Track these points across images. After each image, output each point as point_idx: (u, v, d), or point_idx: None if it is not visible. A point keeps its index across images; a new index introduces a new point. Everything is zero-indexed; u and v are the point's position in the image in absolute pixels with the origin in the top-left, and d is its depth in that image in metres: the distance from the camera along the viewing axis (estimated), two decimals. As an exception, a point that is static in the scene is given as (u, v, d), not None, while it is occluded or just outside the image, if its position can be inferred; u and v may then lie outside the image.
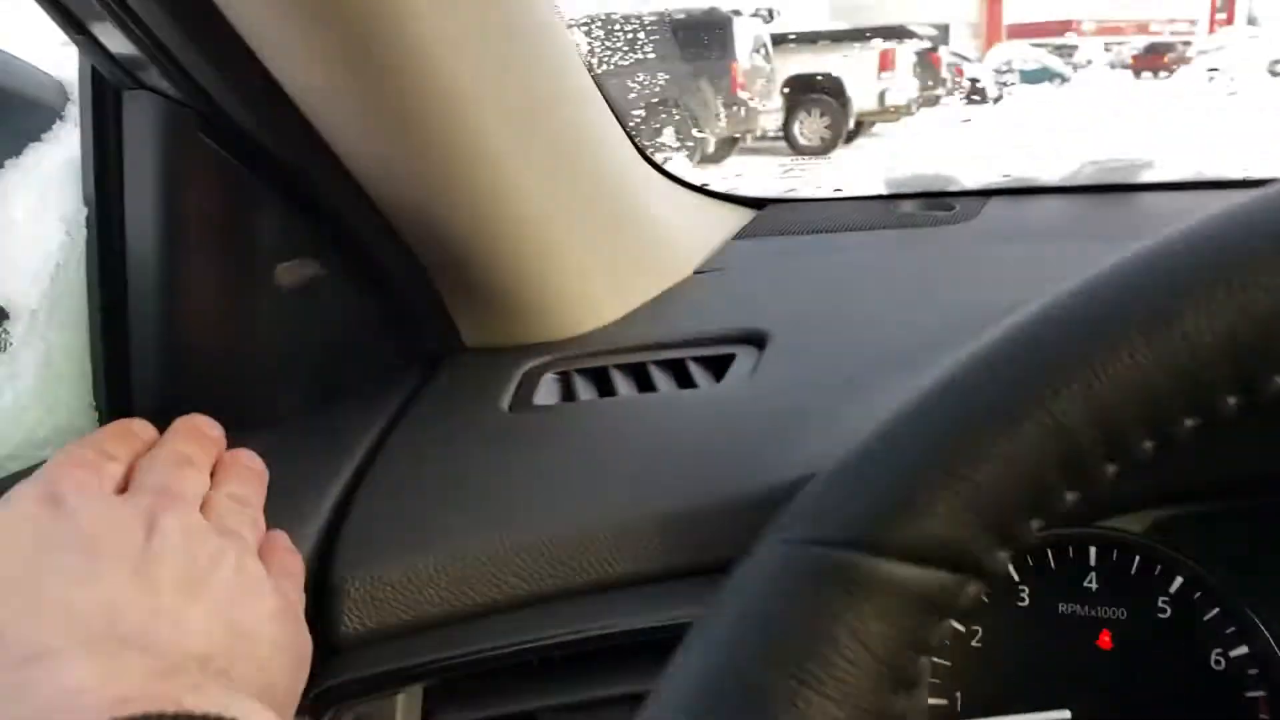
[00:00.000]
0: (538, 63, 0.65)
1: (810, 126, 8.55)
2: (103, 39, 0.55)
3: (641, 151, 0.87)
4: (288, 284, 0.62)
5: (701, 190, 1.00)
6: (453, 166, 0.61)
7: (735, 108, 7.28)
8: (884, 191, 1.03)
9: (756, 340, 0.74)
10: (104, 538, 0.45)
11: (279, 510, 0.57)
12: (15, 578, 0.42)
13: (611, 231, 0.78)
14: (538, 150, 0.66)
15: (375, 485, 0.61)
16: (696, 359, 0.74)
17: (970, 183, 1.02)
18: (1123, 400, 0.27)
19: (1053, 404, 0.27)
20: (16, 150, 0.63)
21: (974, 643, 0.65)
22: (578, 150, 0.72)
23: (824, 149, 8.13)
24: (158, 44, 0.52)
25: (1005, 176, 1.01)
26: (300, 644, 0.50)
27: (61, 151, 0.62)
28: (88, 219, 0.58)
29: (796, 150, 7.94)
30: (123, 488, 0.51)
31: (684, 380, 0.72)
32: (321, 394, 0.68)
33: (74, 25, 0.54)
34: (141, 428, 0.55)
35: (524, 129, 0.64)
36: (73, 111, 0.66)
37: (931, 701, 0.64)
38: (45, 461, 0.58)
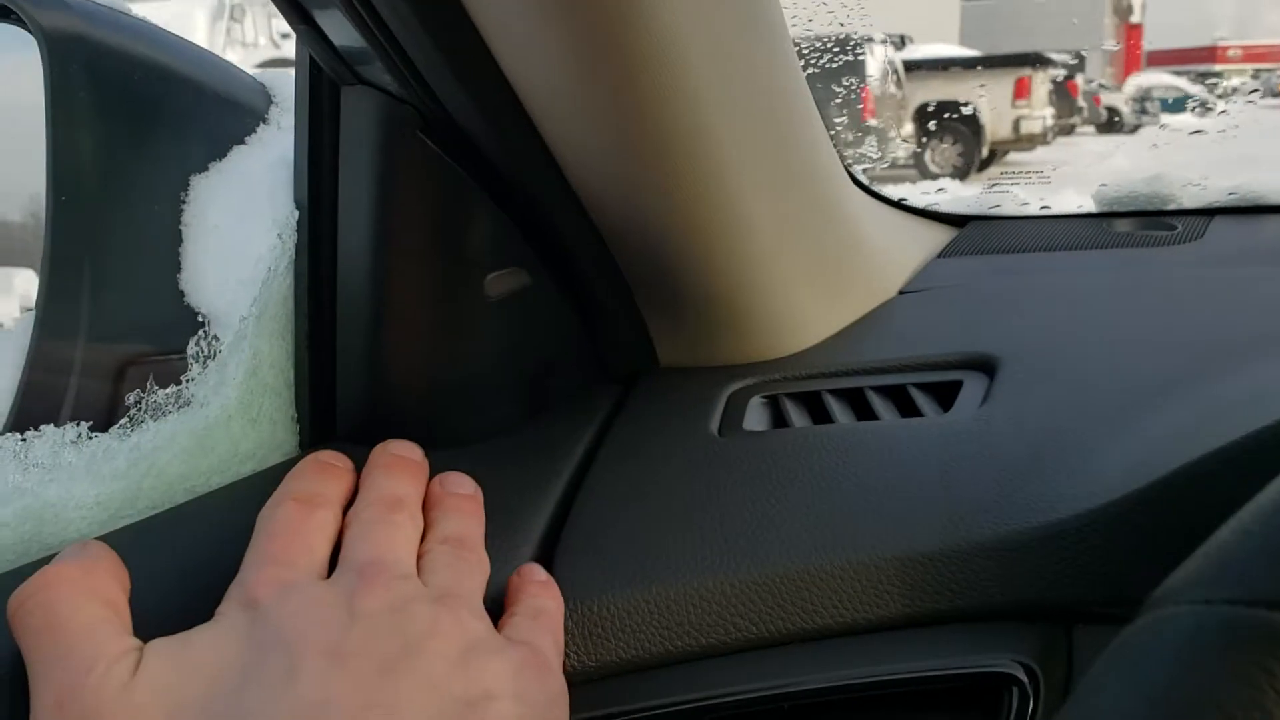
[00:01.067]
0: (769, 66, 0.61)
1: (943, 154, 8.44)
2: (327, 29, 0.52)
3: (844, 162, 0.82)
4: (497, 295, 0.58)
5: (900, 206, 0.94)
6: (679, 171, 0.57)
7: (866, 134, 7.19)
8: (1095, 210, 0.96)
9: (984, 365, 0.68)
10: (303, 634, 0.42)
11: (489, 532, 0.53)
12: (223, 694, 0.40)
13: (820, 245, 0.74)
14: (760, 158, 0.62)
15: (587, 508, 0.57)
16: (918, 385, 0.68)
17: (1190, 201, 0.94)
18: None
19: None
20: (220, 154, 0.61)
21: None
22: (795, 160, 0.67)
23: (956, 177, 8.01)
24: (388, 35, 0.49)
25: (1231, 195, 0.93)
26: (549, 690, 0.46)
27: (267, 153, 0.60)
28: (299, 222, 0.55)
29: (927, 178, 7.81)
30: (335, 543, 0.48)
31: (906, 408, 0.66)
32: (523, 411, 0.64)
33: (298, 14, 0.51)
34: (336, 459, 0.52)
35: (752, 134, 0.60)
36: (276, 114, 0.64)
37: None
38: (249, 476, 0.56)
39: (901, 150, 7.78)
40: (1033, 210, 0.97)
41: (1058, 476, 0.54)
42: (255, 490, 0.52)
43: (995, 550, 0.52)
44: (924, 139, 8.27)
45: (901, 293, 0.83)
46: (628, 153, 0.55)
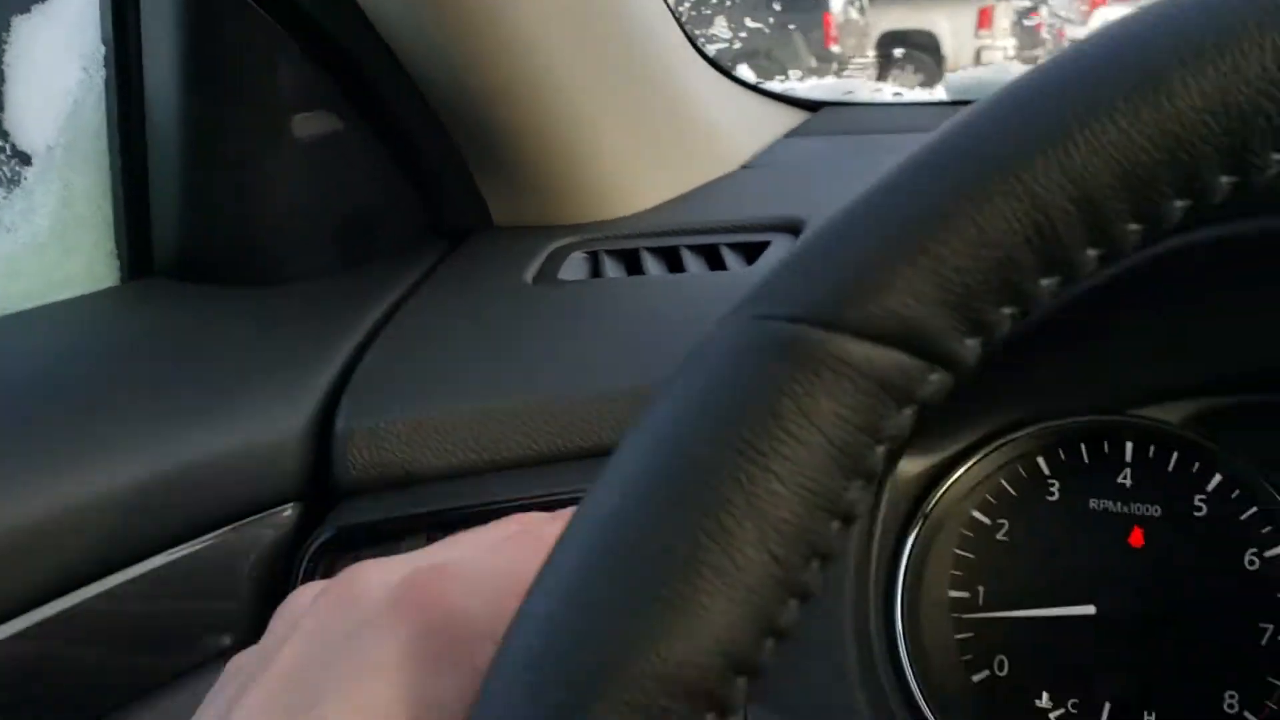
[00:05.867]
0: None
1: (903, 82, 8.40)
2: None
3: (694, 43, 0.85)
4: (307, 137, 0.61)
5: (756, 89, 0.97)
6: (491, 31, 0.60)
7: (827, 62, 7.14)
8: (947, 98, 0.99)
9: (792, 228, 0.72)
10: None
11: (290, 365, 0.57)
12: None
13: (653, 116, 0.77)
14: (580, 23, 0.65)
15: (388, 342, 0.60)
16: (729, 245, 0.72)
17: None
18: (1102, 172, 0.24)
19: (1024, 174, 0.24)
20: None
21: (1000, 536, 0.62)
22: (622, 28, 0.70)
23: (915, 104, 7.96)
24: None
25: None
26: None
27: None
28: (105, 57, 0.58)
29: (887, 106, 7.78)
30: None
31: (716, 265, 0.70)
32: (344, 257, 0.67)
33: None
34: None
35: (576, 8, 0.62)
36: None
37: (954, 594, 0.63)
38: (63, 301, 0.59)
39: (863, 77, 7.76)
40: (885, 97, 1.00)
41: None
42: (71, 314, 0.56)
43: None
44: (885, 66, 8.22)
45: (743, 168, 0.87)
46: (448, 23, 0.58)
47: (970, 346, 0.25)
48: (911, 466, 0.57)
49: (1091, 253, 0.24)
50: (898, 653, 0.56)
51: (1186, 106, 0.23)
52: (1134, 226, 0.24)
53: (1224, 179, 0.24)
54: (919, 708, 0.55)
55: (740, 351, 0.25)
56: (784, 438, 0.23)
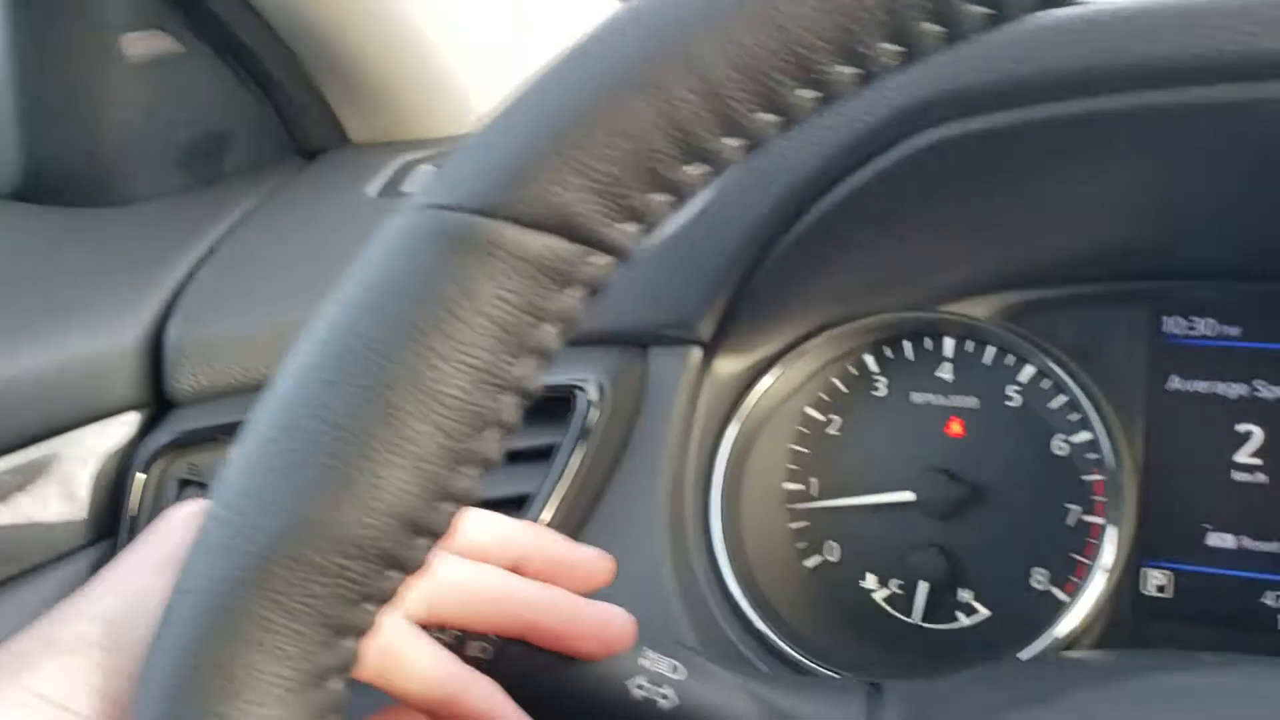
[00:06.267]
0: None
1: None
2: None
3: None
4: (142, 57, 0.62)
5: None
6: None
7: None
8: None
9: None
10: None
11: (129, 282, 0.58)
12: None
13: (501, 27, 0.77)
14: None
15: (224, 258, 0.61)
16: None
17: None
18: (721, 65, 0.25)
19: (652, 68, 0.26)
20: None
21: (831, 431, 0.65)
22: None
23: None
24: None
25: None
26: None
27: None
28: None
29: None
30: None
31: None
32: (194, 177, 0.68)
33: None
34: None
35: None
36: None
37: (789, 486, 0.66)
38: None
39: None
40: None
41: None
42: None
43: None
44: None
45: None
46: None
47: (626, 231, 0.26)
48: (729, 366, 0.60)
49: (730, 141, 0.26)
50: (712, 540, 0.59)
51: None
52: (764, 116, 0.26)
53: (842, 69, 0.26)
54: (730, 592, 0.58)
55: (407, 238, 0.27)
56: (446, 317, 0.24)
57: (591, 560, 0.42)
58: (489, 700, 0.36)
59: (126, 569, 0.33)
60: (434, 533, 0.26)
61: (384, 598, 0.25)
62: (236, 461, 0.26)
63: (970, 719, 0.38)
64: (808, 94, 0.26)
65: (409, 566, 0.26)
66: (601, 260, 0.27)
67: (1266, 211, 0.52)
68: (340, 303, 0.27)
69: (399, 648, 0.35)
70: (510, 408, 0.26)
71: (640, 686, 0.39)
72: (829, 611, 0.64)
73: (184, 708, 0.25)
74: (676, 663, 0.40)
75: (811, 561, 0.65)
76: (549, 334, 0.26)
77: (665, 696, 0.40)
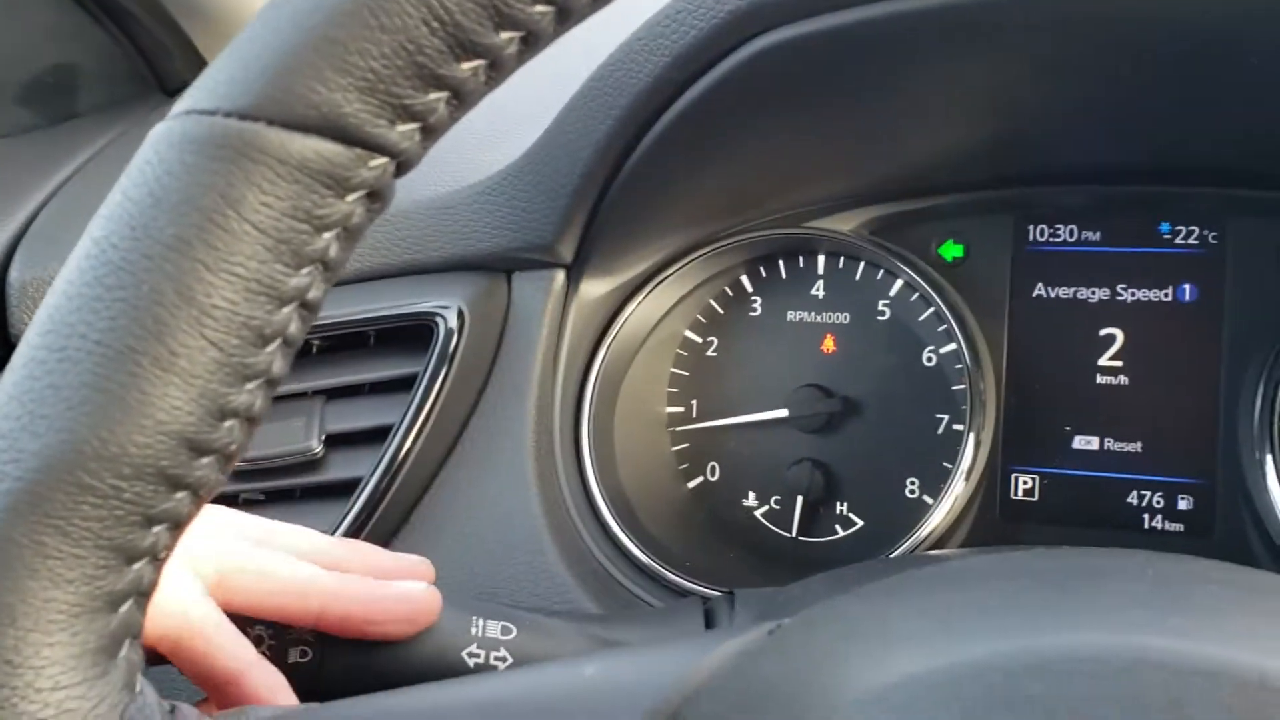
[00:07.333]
0: None
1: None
2: None
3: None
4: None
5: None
6: None
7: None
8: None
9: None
10: None
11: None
12: None
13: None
14: None
15: (70, 196, 0.60)
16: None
17: None
18: None
19: None
20: None
21: (710, 353, 0.66)
22: None
23: None
24: None
25: None
26: None
27: None
28: None
29: None
30: None
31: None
32: (44, 115, 0.66)
33: None
34: None
35: None
36: None
37: (670, 410, 0.66)
38: None
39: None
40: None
41: (506, 144, 0.59)
42: None
43: (434, 208, 0.57)
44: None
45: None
46: None
47: (405, 133, 0.25)
48: (596, 289, 0.59)
49: (506, 35, 0.25)
50: (584, 466, 0.59)
51: None
52: (539, 8, 0.25)
53: None
54: (602, 517, 0.58)
55: (166, 146, 0.25)
56: (209, 227, 0.23)
57: (414, 567, 0.42)
58: (269, 688, 0.36)
59: None
60: (218, 451, 0.24)
61: (175, 519, 0.24)
62: (3, 384, 0.25)
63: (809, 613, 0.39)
64: None
65: (196, 487, 0.24)
66: (380, 164, 0.26)
67: (1111, 109, 0.52)
68: (103, 216, 0.26)
69: (200, 618, 0.35)
70: (295, 320, 0.25)
71: (473, 654, 0.39)
72: (712, 532, 0.64)
73: None
74: (507, 624, 0.40)
75: (694, 482, 0.65)
76: (330, 243, 0.24)
77: (501, 659, 0.40)
